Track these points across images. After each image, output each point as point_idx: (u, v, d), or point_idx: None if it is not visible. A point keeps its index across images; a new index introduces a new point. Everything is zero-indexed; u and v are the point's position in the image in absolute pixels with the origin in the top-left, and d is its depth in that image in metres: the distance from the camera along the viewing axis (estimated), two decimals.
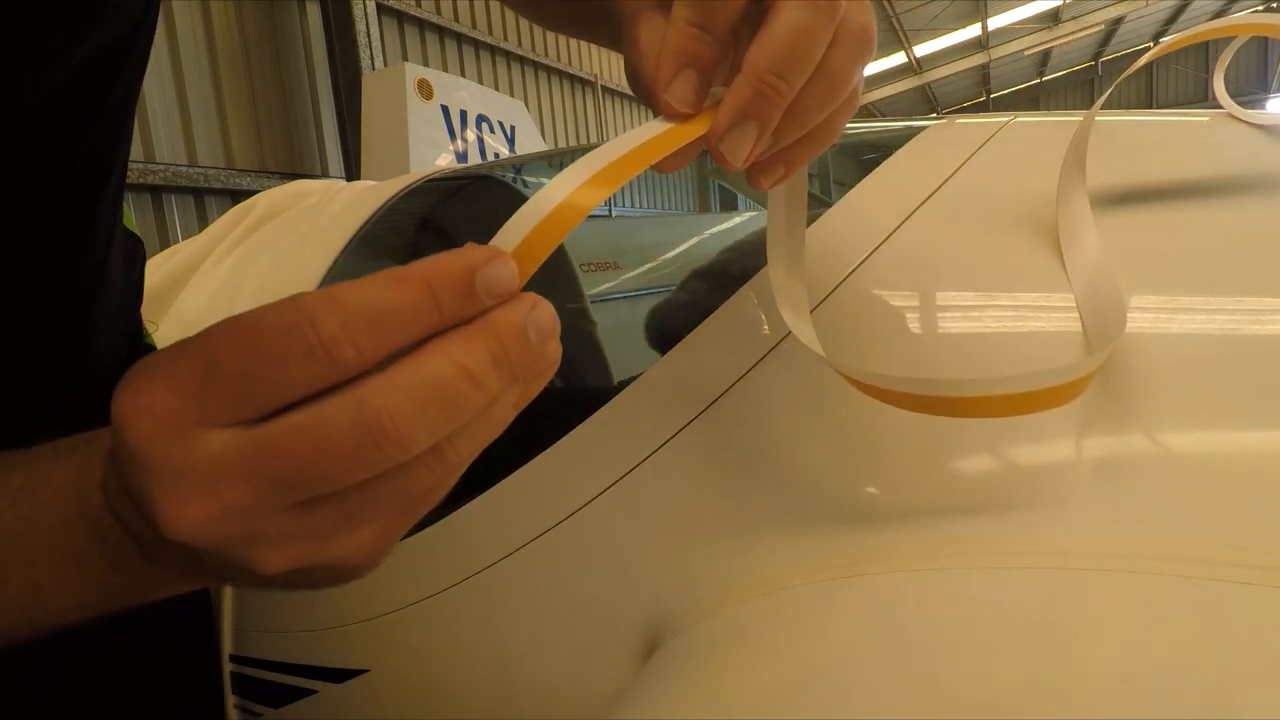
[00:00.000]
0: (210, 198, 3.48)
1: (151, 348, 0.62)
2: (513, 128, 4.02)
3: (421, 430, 0.19)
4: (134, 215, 3.21)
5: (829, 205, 0.46)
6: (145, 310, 0.78)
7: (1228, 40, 0.46)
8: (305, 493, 0.19)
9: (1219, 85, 0.48)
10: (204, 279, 0.83)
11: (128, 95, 0.41)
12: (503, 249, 0.21)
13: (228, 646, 0.57)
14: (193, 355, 0.18)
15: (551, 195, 0.22)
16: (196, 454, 0.18)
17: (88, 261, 0.44)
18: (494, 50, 5.10)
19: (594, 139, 6.16)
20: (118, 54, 0.38)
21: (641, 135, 0.25)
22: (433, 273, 0.19)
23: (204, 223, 3.32)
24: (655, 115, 0.26)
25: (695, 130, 0.26)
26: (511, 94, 5.02)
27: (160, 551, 0.22)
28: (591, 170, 0.23)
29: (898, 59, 11.94)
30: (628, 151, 0.24)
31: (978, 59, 12.33)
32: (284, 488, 0.19)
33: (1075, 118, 0.50)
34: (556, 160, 1.21)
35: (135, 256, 0.56)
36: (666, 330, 0.46)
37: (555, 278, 0.95)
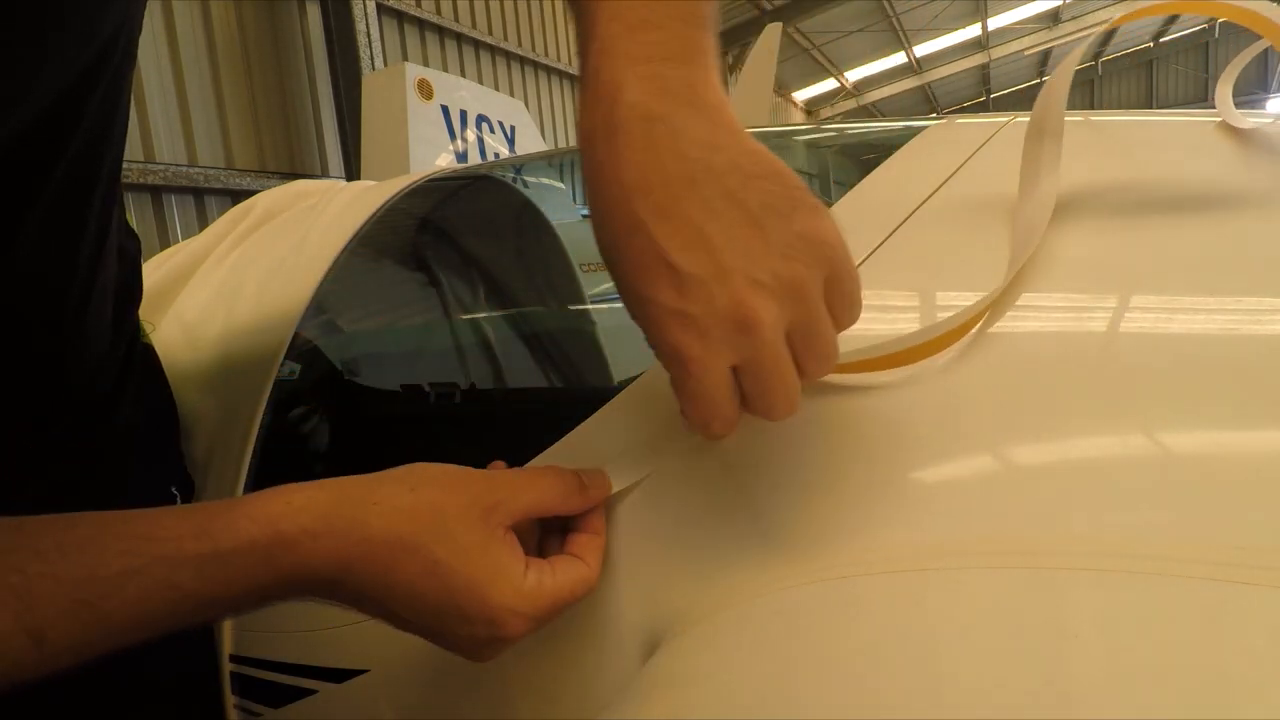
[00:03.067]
0: (210, 198, 3.47)
1: (148, 347, 0.62)
2: (513, 128, 4.02)
3: None
4: (134, 215, 3.20)
5: (829, 205, 0.46)
6: (145, 310, 0.78)
7: (1229, 41, 0.46)
8: None
9: (1223, 92, 0.48)
10: (204, 279, 0.83)
11: (108, 101, 0.41)
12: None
13: (228, 646, 0.57)
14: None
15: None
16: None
17: (78, 263, 0.44)
18: (494, 50, 5.10)
19: None
20: (91, 70, 0.38)
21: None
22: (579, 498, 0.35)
23: (204, 223, 3.32)
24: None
25: None
26: (511, 94, 5.02)
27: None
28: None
29: (898, 59, 11.93)
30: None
31: (978, 59, 12.33)
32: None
33: (1075, 118, 0.50)
34: (556, 160, 1.21)
35: (132, 256, 0.56)
36: None
37: (555, 278, 0.95)
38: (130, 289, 0.56)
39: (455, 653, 0.33)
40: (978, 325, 0.35)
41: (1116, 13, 0.45)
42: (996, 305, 0.36)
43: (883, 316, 0.37)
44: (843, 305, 0.29)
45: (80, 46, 0.36)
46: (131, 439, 0.54)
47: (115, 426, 0.52)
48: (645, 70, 0.28)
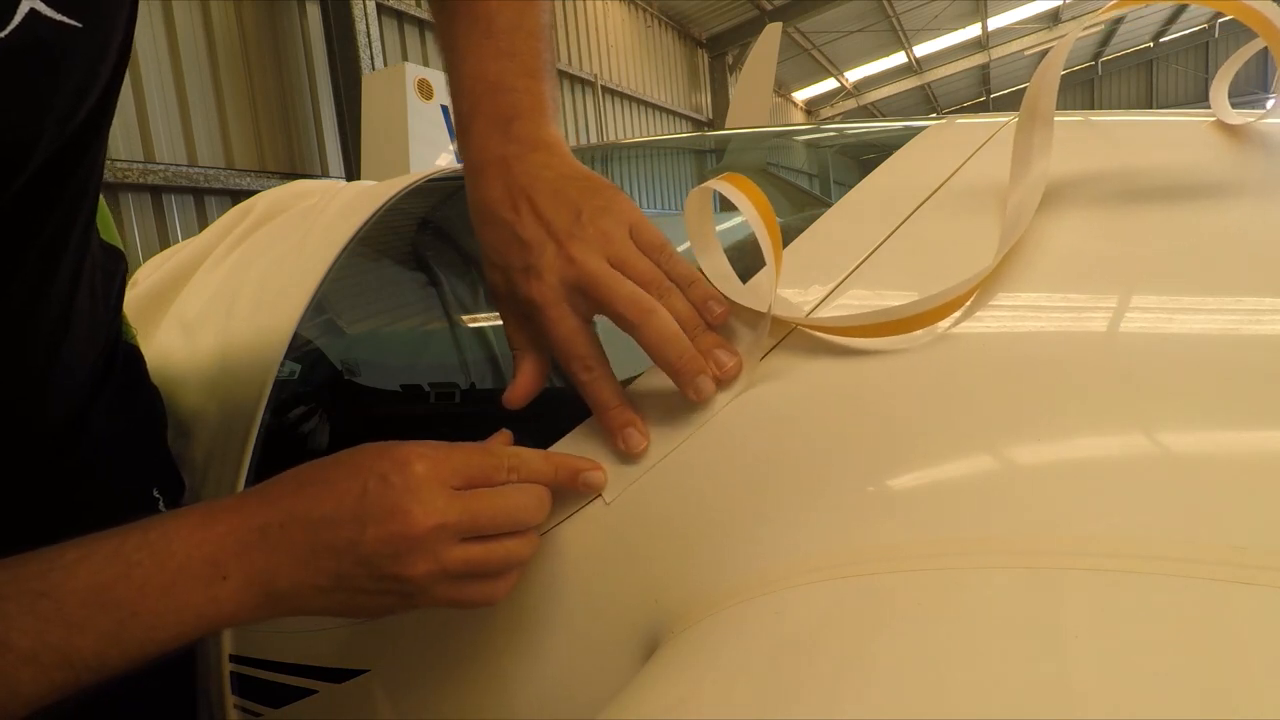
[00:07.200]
0: (210, 198, 3.47)
1: (132, 348, 0.62)
2: None
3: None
4: (134, 215, 3.20)
5: (829, 205, 0.46)
6: (144, 311, 0.78)
7: (1229, 41, 0.46)
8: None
9: (1218, 91, 0.47)
10: (204, 279, 0.83)
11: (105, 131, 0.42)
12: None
13: (228, 646, 0.57)
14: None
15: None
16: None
17: (60, 297, 0.44)
18: None
19: (594, 139, 6.15)
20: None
21: None
22: (562, 469, 0.38)
23: (204, 223, 3.32)
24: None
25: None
26: None
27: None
28: None
29: (898, 59, 11.92)
30: None
31: (978, 59, 12.33)
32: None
33: (1074, 118, 0.50)
34: None
35: (114, 273, 0.56)
36: None
37: None
38: (114, 309, 0.56)
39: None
40: (968, 302, 0.36)
41: (1117, 11, 0.44)
42: (987, 285, 0.36)
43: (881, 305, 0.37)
44: (647, 242, 0.39)
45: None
46: (111, 443, 0.54)
47: (93, 432, 0.52)
48: (502, 129, 0.41)
